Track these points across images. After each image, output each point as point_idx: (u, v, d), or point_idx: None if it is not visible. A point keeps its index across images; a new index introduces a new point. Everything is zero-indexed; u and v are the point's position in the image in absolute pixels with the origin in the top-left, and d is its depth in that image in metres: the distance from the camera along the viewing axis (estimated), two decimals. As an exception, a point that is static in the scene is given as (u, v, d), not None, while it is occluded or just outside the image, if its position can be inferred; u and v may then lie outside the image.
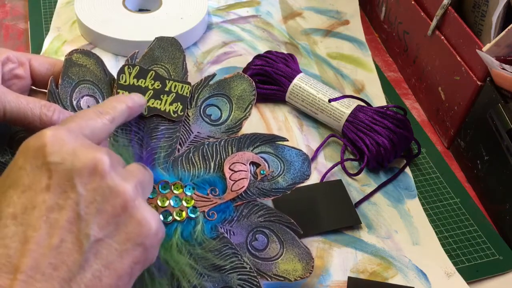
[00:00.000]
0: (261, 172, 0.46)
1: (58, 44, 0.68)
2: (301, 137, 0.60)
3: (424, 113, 0.66)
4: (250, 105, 0.49)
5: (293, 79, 0.60)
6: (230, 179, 0.45)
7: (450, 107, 0.60)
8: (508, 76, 0.51)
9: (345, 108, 0.58)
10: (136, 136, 0.46)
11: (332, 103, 0.58)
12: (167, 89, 0.47)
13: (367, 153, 0.56)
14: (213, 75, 0.50)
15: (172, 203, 0.43)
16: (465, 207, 0.55)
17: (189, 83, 0.48)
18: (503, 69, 0.51)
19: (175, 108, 0.47)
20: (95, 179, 0.32)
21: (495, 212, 0.55)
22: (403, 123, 0.56)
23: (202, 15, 0.70)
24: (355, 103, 0.59)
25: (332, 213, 0.52)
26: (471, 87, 0.56)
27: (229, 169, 0.46)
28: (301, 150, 0.48)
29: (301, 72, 0.62)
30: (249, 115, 0.49)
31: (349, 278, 0.48)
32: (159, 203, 0.42)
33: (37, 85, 0.47)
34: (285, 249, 0.44)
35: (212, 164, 0.46)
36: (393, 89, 0.68)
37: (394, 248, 0.51)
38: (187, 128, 0.48)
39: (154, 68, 0.48)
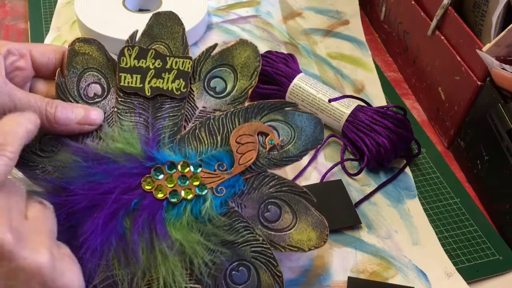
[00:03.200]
0: (270, 141, 0.45)
1: (58, 44, 0.68)
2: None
3: (424, 113, 0.66)
4: (256, 72, 0.48)
5: (293, 79, 0.60)
6: (237, 152, 0.45)
7: (450, 107, 0.60)
8: (508, 76, 0.51)
9: (345, 108, 0.58)
10: (141, 117, 0.46)
11: (332, 103, 0.58)
12: (168, 66, 0.47)
13: (367, 153, 0.56)
14: (215, 45, 0.48)
15: (179, 183, 0.43)
16: (465, 207, 0.55)
17: (190, 58, 0.47)
18: (503, 69, 0.51)
19: (178, 85, 0.46)
20: (3, 264, 0.31)
21: (495, 212, 0.55)
22: (403, 123, 0.56)
23: (202, 15, 0.70)
24: (355, 103, 0.59)
25: (332, 213, 0.52)
26: (471, 87, 0.56)
27: (236, 142, 0.45)
28: (312, 114, 0.47)
29: (301, 72, 0.62)
30: (255, 83, 0.47)
31: (349, 278, 0.48)
32: (167, 183, 0.43)
33: (40, 75, 0.47)
34: (298, 219, 0.44)
35: (218, 139, 0.45)
36: (393, 89, 0.68)
37: (394, 248, 0.51)
38: (192, 104, 0.47)
39: (154, 46, 0.48)
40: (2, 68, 0.43)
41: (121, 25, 0.67)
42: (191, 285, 0.41)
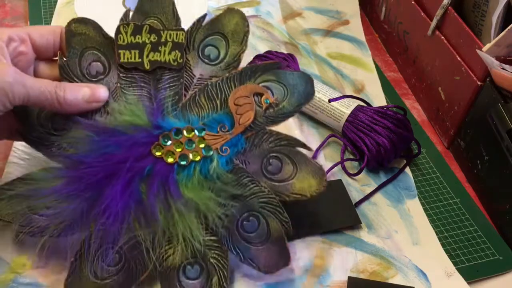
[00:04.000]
0: (265, 101, 0.48)
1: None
2: (301, 137, 0.60)
3: (424, 113, 0.66)
4: (245, 37, 0.50)
5: (293, 79, 0.60)
6: (236, 113, 0.47)
7: (450, 107, 0.60)
8: (508, 76, 0.51)
9: (345, 108, 0.58)
10: (144, 90, 0.48)
11: (332, 103, 0.58)
12: (163, 39, 0.49)
13: (367, 153, 0.56)
14: (204, 16, 0.51)
15: (186, 146, 0.46)
16: (465, 207, 0.55)
17: (182, 29, 0.49)
18: (503, 69, 0.51)
19: (174, 56, 0.49)
20: None
21: (495, 212, 0.55)
22: (403, 123, 0.56)
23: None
24: (355, 103, 0.59)
25: (332, 213, 0.52)
26: (471, 87, 0.56)
27: (234, 104, 0.48)
28: (303, 72, 0.50)
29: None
30: (245, 47, 0.50)
31: (349, 278, 0.48)
32: (175, 148, 0.46)
33: (41, 56, 0.49)
34: (298, 169, 0.47)
35: (218, 103, 0.48)
36: (393, 89, 0.68)
37: (394, 248, 0.51)
38: (190, 73, 0.50)
39: (147, 22, 0.50)
40: (8, 56, 0.44)
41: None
42: (208, 237, 0.44)
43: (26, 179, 0.45)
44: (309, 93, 0.49)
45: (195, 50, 0.50)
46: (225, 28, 0.51)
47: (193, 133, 0.47)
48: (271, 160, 0.47)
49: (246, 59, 0.65)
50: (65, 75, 0.48)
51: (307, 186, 0.46)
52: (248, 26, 0.50)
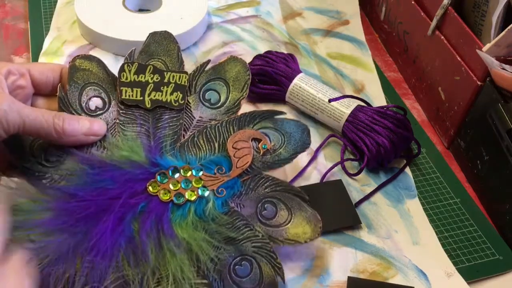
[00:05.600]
0: (263, 146, 0.49)
1: (58, 44, 0.68)
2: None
3: (424, 113, 0.66)
4: (246, 85, 0.52)
5: (293, 79, 0.60)
6: (234, 156, 0.48)
7: (450, 107, 0.60)
8: (508, 76, 0.51)
9: (345, 108, 0.58)
10: (143, 128, 0.49)
11: (332, 103, 0.58)
12: (166, 80, 0.50)
13: (367, 153, 0.56)
14: (208, 62, 0.52)
15: (183, 186, 0.46)
16: (465, 207, 0.55)
17: (186, 72, 0.51)
18: (503, 69, 0.51)
19: (176, 97, 0.50)
20: None
21: (495, 212, 0.55)
22: (403, 123, 0.56)
23: (202, 15, 0.70)
24: (355, 103, 0.59)
25: (332, 213, 0.52)
26: (471, 87, 0.56)
27: (232, 147, 0.48)
28: (299, 121, 0.51)
29: (301, 72, 0.62)
30: (246, 94, 0.52)
31: (349, 278, 0.48)
32: (171, 186, 0.45)
33: (39, 92, 0.49)
34: (293, 215, 0.47)
35: (216, 145, 0.49)
36: (393, 89, 0.68)
37: (394, 248, 0.51)
38: (190, 114, 0.50)
39: (151, 63, 0.51)
40: (5, 87, 0.44)
41: (121, 25, 0.67)
42: (199, 280, 0.43)
43: (13, 210, 0.42)
44: (305, 142, 0.50)
45: (196, 93, 0.51)
46: (227, 74, 0.52)
47: (190, 172, 0.47)
48: (266, 205, 0.47)
49: (246, 59, 0.65)
50: (64, 107, 0.48)
51: (301, 233, 0.46)
52: (249, 74, 0.52)
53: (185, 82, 0.50)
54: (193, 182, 0.46)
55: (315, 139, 0.60)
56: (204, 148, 0.49)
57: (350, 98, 0.59)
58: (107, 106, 0.49)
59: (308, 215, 0.46)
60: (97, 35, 0.67)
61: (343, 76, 0.68)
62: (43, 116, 0.43)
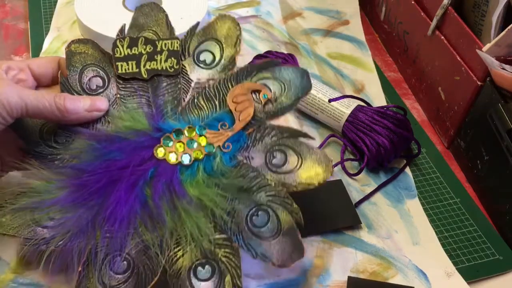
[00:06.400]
0: (264, 96, 0.49)
1: (58, 44, 0.68)
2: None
3: (424, 113, 0.66)
4: (238, 40, 0.52)
5: (293, 79, 0.60)
6: (235, 110, 0.48)
7: (450, 107, 0.60)
8: (508, 76, 0.51)
9: (345, 108, 0.58)
10: (143, 98, 0.49)
11: (332, 103, 0.58)
12: (158, 49, 0.51)
13: (367, 153, 0.56)
14: (197, 24, 0.53)
15: (188, 146, 0.46)
16: (465, 207, 0.55)
17: (177, 38, 0.51)
18: (503, 69, 0.51)
19: (170, 63, 0.50)
20: None
21: (495, 212, 0.55)
22: (403, 123, 0.56)
23: (202, 15, 0.70)
24: (355, 103, 0.59)
25: (332, 213, 0.52)
26: (471, 87, 0.56)
27: (233, 102, 0.48)
28: (297, 67, 0.51)
29: (301, 72, 0.62)
30: (239, 49, 0.52)
31: (349, 278, 0.48)
32: (177, 148, 0.46)
33: (41, 84, 0.50)
34: (303, 159, 0.46)
35: (216, 103, 0.49)
36: (393, 89, 0.68)
37: (394, 248, 0.51)
38: (187, 78, 0.51)
39: (143, 35, 0.52)
40: (5, 76, 0.46)
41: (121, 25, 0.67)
42: (217, 235, 0.43)
43: (28, 192, 0.44)
44: (306, 86, 0.49)
45: (190, 56, 0.51)
46: (218, 33, 0.52)
47: (194, 132, 0.47)
48: (274, 153, 0.47)
49: (246, 59, 0.66)
50: (66, 91, 0.49)
51: (314, 175, 0.45)
52: (240, 29, 0.52)
53: (177, 47, 0.51)
54: (198, 141, 0.47)
55: (315, 139, 0.60)
56: (205, 108, 0.49)
57: (350, 98, 0.59)
58: (106, 84, 0.50)
59: (318, 157, 0.46)
60: (97, 35, 0.67)
61: (343, 76, 0.68)
62: (44, 96, 0.44)
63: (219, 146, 0.47)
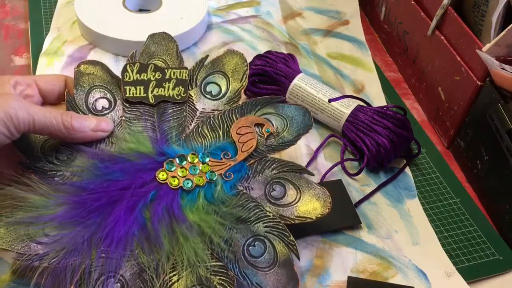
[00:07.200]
0: (266, 130, 0.50)
1: (58, 44, 0.68)
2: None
3: (424, 113, 0.66)
4: (245, 75, 0.54)
5: (293, 79, 0.60)
6: (239, 141, 0.49)
7: (450, 107, 0.60)
8: (508, 76, 0.51)
9: (345, 108, 0.58)
10: (148, 122, 0.50)
11: (332, 103, 0.59)
12: (167, 77, 0.52)
13: (367, 153, 0.56)
14: (206, 57, 0.54)
15: (190, 172, 0.47)
16: (465, 207, 0.55)
17: (186, 68, 0.53)
18: (503, 69, 0.51)
19: (178, 91, 0.52)
20: None
21: (495, 212, 0.55)
22: (403, 123, 0.56)
23: (202, 15, 0.70)
24: (355, 103, 0.59)
25: (332, 213, 0.52)
26: (471, 87, 0.56)
27: (237, 133, 0.50)
28: (299, 105, 0.52)
29: (301, 72, 0.62)
30: (245, 84, 0.53)
31: (349, 278, 0.48)
32: (180, 173, 0.47)
33: (47, 101, 0.50)
34: (302, 193, 0.47)
35: (220, 133, 0.50)
36: (393, 89, 0.68)
37: (394, 248, 0.51)
38: (192, 107, 0.52)
39: (153, 62, 0.53)
40: (13, 90, 0.46)
41: (121, 25, 0.67)
42: (214, 262, 0.43)
43: (25, 206, 0.44)
44: (307, 124, 0.51)
45: (197, 87, 0.53)
46: (226, 67, 0.54)
47: (197, 159, 0.48)
48: (274, 186, 0.48)
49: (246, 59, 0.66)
50: (71, 110, 0.49)
51: (311, 209, 0.46)
52: (247, 65, 0.54)
53: (185, 76, 0.52)
54: (200, 168, 0.47)
55: (315, 139, 0.60)
56: (209, 137, 0.50)
57: (350, 98, 0.59)
58: (113, 106, 0.51)
59: (316, 192, 0.47)
60: (97, 35, 0.67)
61: (343, 76, 0.68)
62: (51, 113, 0.44)
63: (220, 174, 0.47)
